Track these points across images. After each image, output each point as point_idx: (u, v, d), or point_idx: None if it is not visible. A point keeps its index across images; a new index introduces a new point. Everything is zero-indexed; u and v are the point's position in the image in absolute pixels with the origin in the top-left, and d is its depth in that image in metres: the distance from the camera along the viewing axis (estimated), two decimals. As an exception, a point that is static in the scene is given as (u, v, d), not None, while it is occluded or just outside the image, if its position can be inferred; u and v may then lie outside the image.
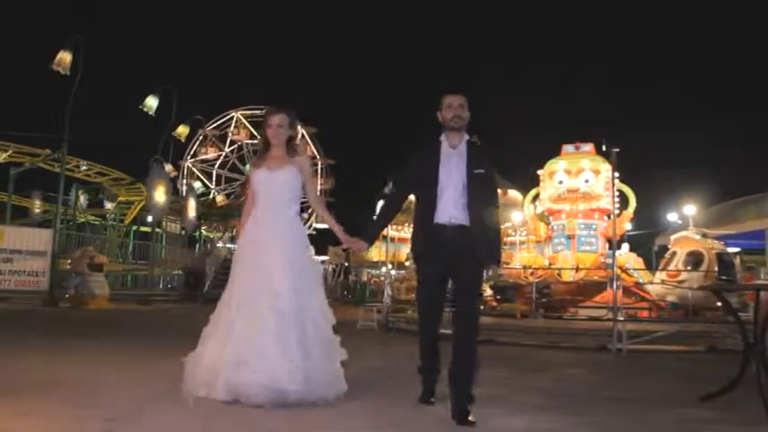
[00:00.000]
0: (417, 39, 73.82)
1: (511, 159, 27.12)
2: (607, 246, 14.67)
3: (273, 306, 3.31)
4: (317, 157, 39.69)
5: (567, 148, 16.17)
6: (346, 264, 38.16)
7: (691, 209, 16.47)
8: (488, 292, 14.04)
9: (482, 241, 3.32)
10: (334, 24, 73.25)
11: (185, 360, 3.45)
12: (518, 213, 20.10)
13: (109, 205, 27.01)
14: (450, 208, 3.32)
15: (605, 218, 15.47)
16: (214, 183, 39.45)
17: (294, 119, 3.74)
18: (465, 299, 3.33)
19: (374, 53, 74.51)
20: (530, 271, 13.71)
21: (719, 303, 5.28)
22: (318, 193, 4.61)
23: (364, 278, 32.46)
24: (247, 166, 37.56)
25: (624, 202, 15.54)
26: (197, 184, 35.72)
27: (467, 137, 3.49)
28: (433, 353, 3.48)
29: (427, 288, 3.46)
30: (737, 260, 14.17)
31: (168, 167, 22.59)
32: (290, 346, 3.24)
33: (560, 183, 15.69)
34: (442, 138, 3.52)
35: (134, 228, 28.23)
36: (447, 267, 3.34)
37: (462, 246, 3.28)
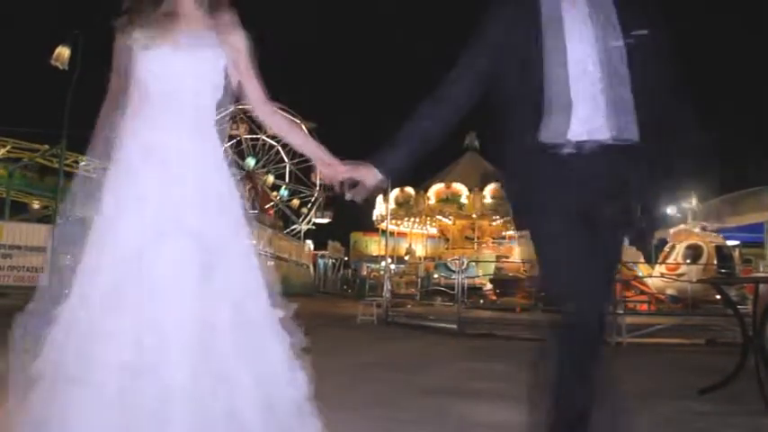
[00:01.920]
0: (416, 33, 73.66)
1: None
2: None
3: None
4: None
5: (567, 141, 16.16)
6: (346, 258, 38.22)
7: (690, 202, 16.47)
8: (488, 286, 14.04)
9: (658, 177, 1.84)
10: (334, 18, 73.05)
11: None
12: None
13: None
14: (588, 112, 1.71)
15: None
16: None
17: None
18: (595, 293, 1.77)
19: (374, 48, 74.33)
20: (530, 264, 13.72)
21: (719, 296, 5.28)
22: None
23: (364, 272, 32.47)
24: (247, 160, 37.42)
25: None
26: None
27: None
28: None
29: (567, 268, 1.74)
30: (736, 253, 14.20)
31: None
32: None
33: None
34: None
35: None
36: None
37: (610, 187, 1.73)
